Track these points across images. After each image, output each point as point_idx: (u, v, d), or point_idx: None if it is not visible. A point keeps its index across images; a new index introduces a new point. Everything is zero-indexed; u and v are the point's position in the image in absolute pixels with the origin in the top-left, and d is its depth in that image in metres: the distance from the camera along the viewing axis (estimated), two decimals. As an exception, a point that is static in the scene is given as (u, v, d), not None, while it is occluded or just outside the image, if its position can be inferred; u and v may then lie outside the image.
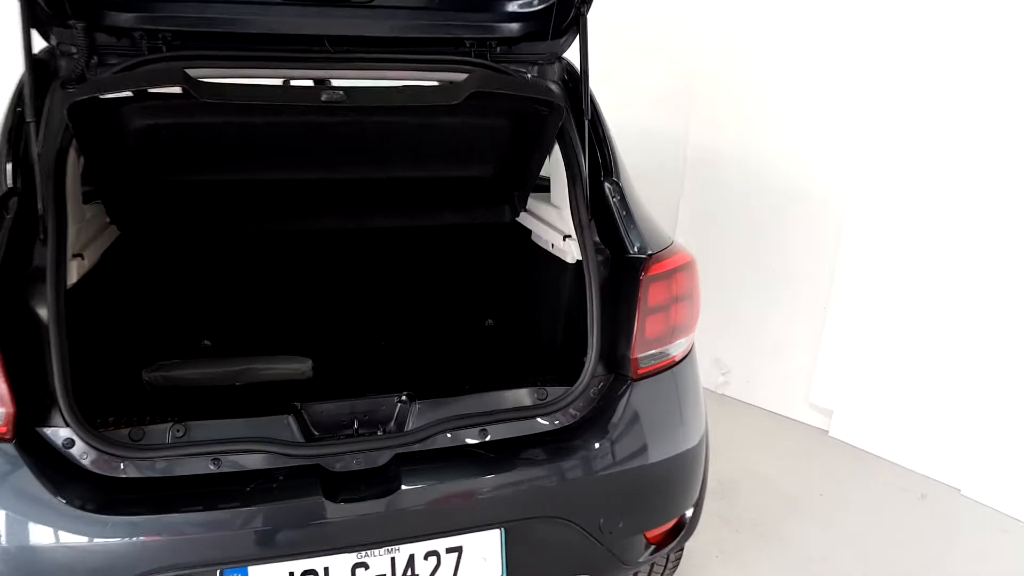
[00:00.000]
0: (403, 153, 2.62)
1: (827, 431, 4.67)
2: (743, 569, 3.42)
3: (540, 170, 2.90)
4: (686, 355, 2.53)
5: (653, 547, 2.46)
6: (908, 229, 4.19)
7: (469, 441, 2.26)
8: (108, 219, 2.64)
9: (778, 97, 4.68)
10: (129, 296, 2.86)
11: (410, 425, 2.27)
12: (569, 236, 2.61)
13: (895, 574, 3.43)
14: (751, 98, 4.83)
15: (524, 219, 3.12)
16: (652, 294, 2.39)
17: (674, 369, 2.48)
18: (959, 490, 4.05)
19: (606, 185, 2.57)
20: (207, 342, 3.26)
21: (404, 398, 2.34)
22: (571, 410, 2.37)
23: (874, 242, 4.33)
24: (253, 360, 3.28)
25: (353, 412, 2.33)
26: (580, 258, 2.55)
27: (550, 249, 2.94)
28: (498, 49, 2.72)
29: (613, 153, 2.64)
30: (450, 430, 2.25)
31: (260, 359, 3.30)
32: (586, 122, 2.58)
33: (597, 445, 2.32)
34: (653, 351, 2.42)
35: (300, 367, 3.33)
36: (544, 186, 3.06)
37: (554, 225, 2.84)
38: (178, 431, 2.12)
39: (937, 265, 4.10)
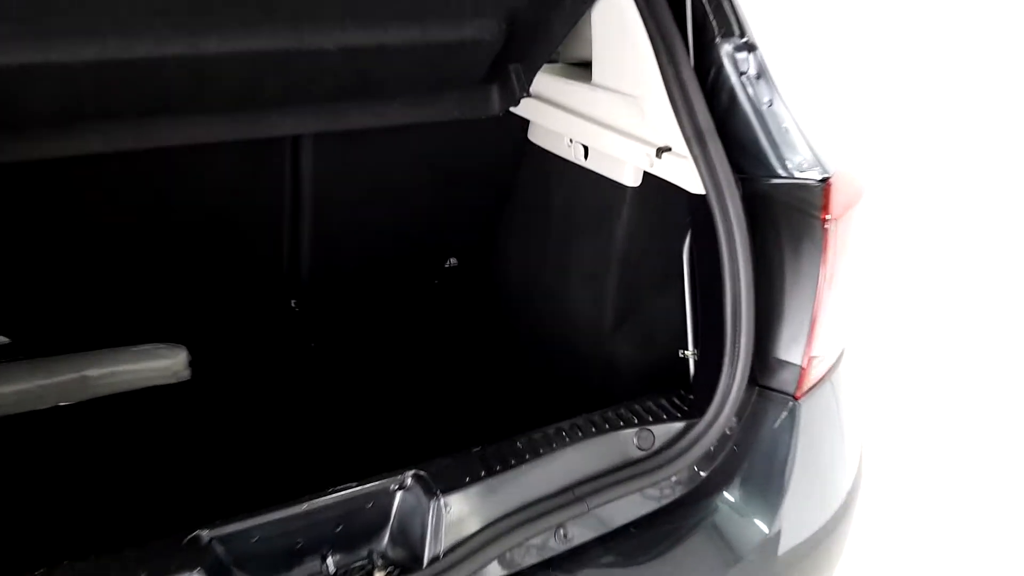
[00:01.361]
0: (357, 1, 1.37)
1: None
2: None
3: (568, 29, 1.70)
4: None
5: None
6: None
7: (540, 558, 1.22)
8: None
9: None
10: None
11: (432, 542, 1.18)
12: (666, 148, 1.49)
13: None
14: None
15: (525, 106, 1.94)
16: (839, 248, 1.35)
17: (833, 377, 1.50)
18: None
19: (725, 51, 1.44)
20: (1, 338, 1.92)
21: (411, 483, 1.23)
22: (695, 465, 1.37)
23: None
24: (86, 361, 2.00)
25: (312, 524, 1.19)
26: (683, 183, 1.46)
27: (578, 159, 1.81)
28: None
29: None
30: (510, 543, 1.18)
31: (99, 357, 2.03)
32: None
33: (747, 519, 1.35)
34: (828, 349, 1.42)
35: (169, 363, 2.09)
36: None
37: (601, 123, 1.69)
38: None
39: None
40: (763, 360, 1.41)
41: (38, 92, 1.34)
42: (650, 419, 1.39)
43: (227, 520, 1.13)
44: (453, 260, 2.39)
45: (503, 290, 2.29)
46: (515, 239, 2.23)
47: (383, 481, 1.24)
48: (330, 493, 1.20)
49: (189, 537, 1.09)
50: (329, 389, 2.06)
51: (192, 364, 2.10)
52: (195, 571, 1.04)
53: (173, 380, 2.08)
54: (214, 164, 1.84)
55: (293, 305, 2.31)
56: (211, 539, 1.10)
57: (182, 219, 1.93)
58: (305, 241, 2.12)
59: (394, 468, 1.25)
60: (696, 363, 1.52)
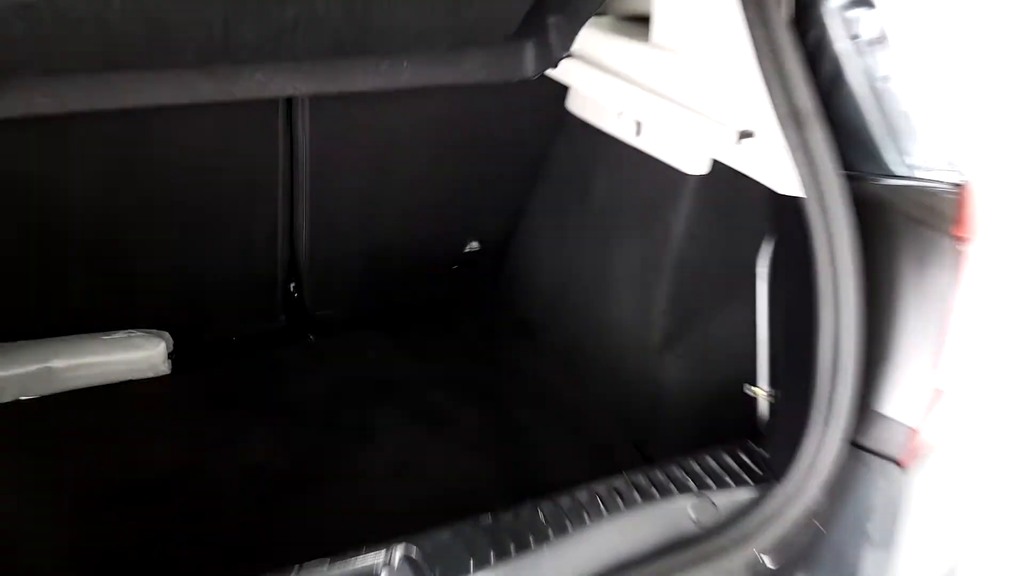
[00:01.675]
0: None
1: None
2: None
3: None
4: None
5: None
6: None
7: None
8: None
9: None
10: None
11: None
12: (748, 133, 1.15)
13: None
14: None
15: (564, 69, 1.61)
16: (978, 276, 1.02)
17: (956, 443, 1.17)
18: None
19: (830, 9, 1.09)
20: None
21: (398, 562, 0.95)
22: (765, 554, 1.06)
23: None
24: (53, 349, 1.75)
25: None
26: (766, 182, 1.13)
27: (629, 138, 1.49)
28: None
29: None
30: None
31: (67, 345, 1.77)
32: None
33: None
34: (952, 406, 1.09)
35: (146, 354, 1.82)
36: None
37: (662, 95, 1.35)
38: None
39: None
40: (862, 413, 1.09)
41: None
42: (710, 483, 1.09)
43: None
44: (474, 244, 2.08)
45: (530, 286, 1.99)
46: (547, 226, 1.93)
47: (366, 556, 0.97)
48: (304, 570, 0.94)
49: None
50: (325, 396, 1.78)
51: (172, 356, 1.84)
52: None
53: (150, 374, 1.82)
54: (195, 129, 1.55)
55: (291, 290, 2.03)
56: None
57: (158, 192, 1.65)
58: (303, 218, 1.83)
59: (387, 514, 0.99)
60: (771, 405, 1.21)
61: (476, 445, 1.62)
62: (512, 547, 0.98)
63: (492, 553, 0.97)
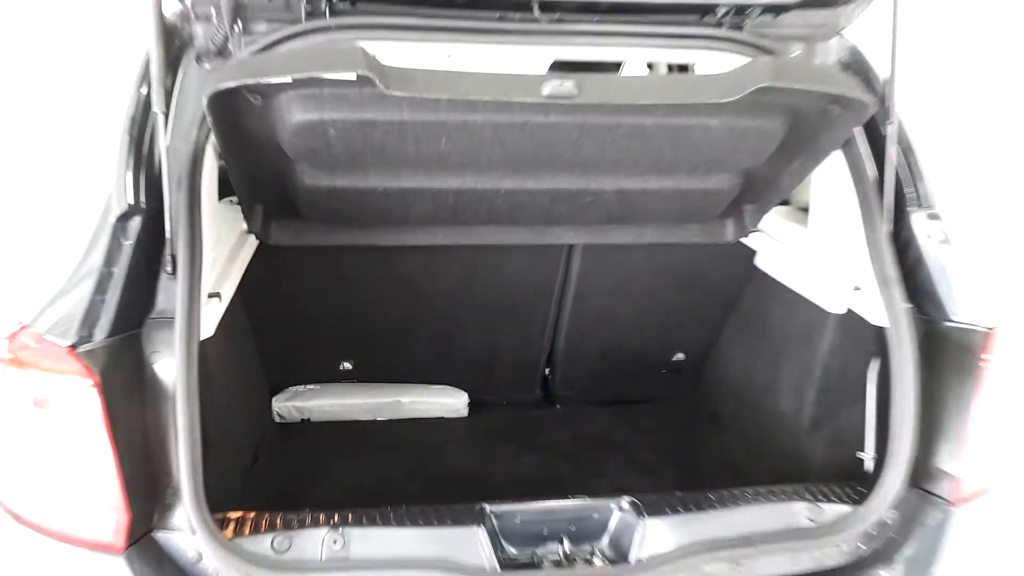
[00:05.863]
0: (626, 160, 1.94)
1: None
2: None
3: (796, 184, 2.17)
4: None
5: None
6: None
7: None
8: (246, 229, 2.08)
9: None
10: (261, 314, 2.33)
11: (636, 549, 1.64)
12: (858, 287, 1.89)
13: None
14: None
15: (753, 238, 2.40)
16: (993, 384, 1.66)
17: (1000, 497, 1.76)
18: None
19: (916, 218, 1.83)
20: (347, 365, 2.72)
21: (627, 506, 1.71)
22: (856, 541, 1.69)
23: None
24: (400, 391, 2.74)
25: (556, 519, 1.72)
26: (871, 318, 1.84)
27: (796, 287, 2.22)
28: (759, 18, 1.99)
29: (922, 173, 1.89)
30: (694, 564, 1.61)
31: (409, 389, 2.76)
32: (890, 128, 1.84)
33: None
34: (983, 466, 1.70)
35: (454, 402, 2.77)
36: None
37: (815, 260, 2.11)
38: (335, 541, 1.56)
39: None
40: (926, 467, 1.72)
41: (422, 203, 2.06)
42: (821, 499, 1.76)
43: (500, 502, 1.69)
44: (680, 355, 2.86)
45: (721, 388, 2.72)
46: (735, 346, 2.67)
47: (607, 500, 1.74)
48: (570, 499, 1.73)
49: (477, 507, 1.67)
50: (568, 442, 2.60)
51: (470, 405, 2.77)
52: (478, 527, 1.61)
53: (455, 415, 2.76)
54: (514, 260, 2.51)
55: (546, 373, 2.92)
56: (490, 512, 1.66)
57: (482, 295, 2.61)
58: (564, 322, 2.72)
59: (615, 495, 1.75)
60: (874, 464, 1.85)
61: (672, 485, 2.36)
62: (692, 507, 1.71)
63: (680, 508, 1.71)
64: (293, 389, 2.67)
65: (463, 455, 2.49)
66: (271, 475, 2.26)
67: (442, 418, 2.74)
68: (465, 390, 2.80)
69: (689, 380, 2.88)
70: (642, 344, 2.83)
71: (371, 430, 2.64)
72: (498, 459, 2.47)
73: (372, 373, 2.76)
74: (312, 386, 2.69)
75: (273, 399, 2.63)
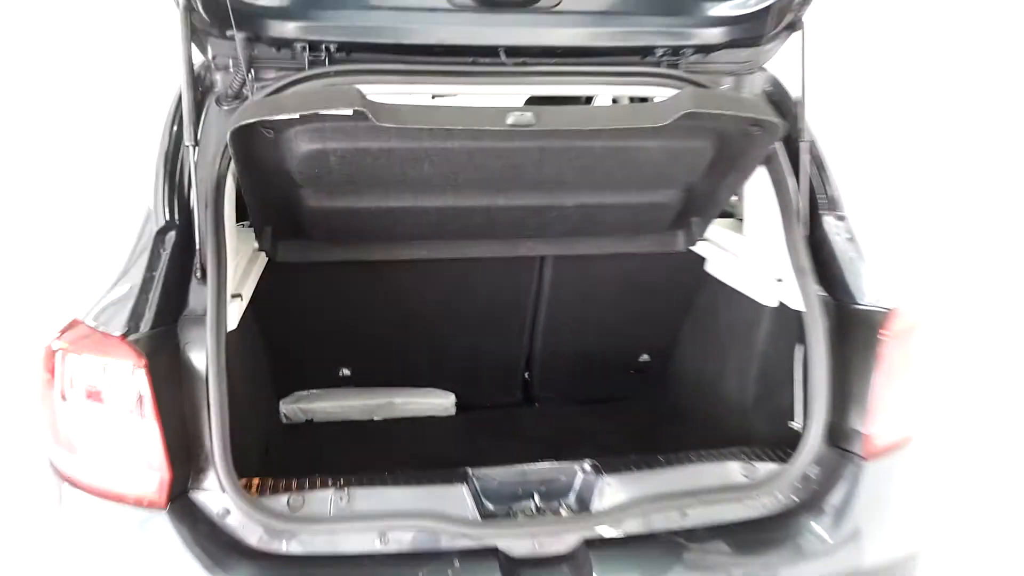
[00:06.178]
0: (583, 179, 2.27)
1: None
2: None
3: (730, 196, 2.51)
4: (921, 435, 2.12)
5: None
6: None
7: (666, 527, 1.91)
8: (257, 248, 2.40)
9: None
10: (269, 327, 2.63)
11: (596, 502, 1.94)
12: (780, 279, 2.22)
13: None
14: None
15: (700, 247, 2.74)
16: (892, 356, 1.98)
17: (909, 450, 2.07)
18: None
19: (828, 220, 2.17)
20: (345, 372, 3.01)
21: (589, 468, 2.01)
22: (784, 493, 1.99)
23: None
24: (393, 393, 3.04)
25: (528, 481, 2.01)
26: (793, 305, 2.16)
27: (737, 286, 2.55)
28: (692, 57, 2.35)
29: (832, 181, 2.24)
30: (646, 512, 1.91)
31: (401, 392, 3.05)
32: (803, 144, 2.19)
33: (819, 539, 1.94)
34: (889, 425, 2.01)
35: (442, 402, 3.06)
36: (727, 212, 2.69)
37: (750, 262, 2.45)
38: (341, 499, 1.86)
39: None
40: (840, 428, 2.03)
41: (408, 220, 2.39)
42: (755, 459, 2.06)
43: (481, 467, 1.99)
44: (646, 356, 3.18)
45: (680, 381, 3.04)
46: (692, 343, 2.99)
47: (572, 463, 2.04)
48: (539, 463, 2.03)
49: (461, 470, 1.96)
50: (549, 432, 2.90)
51: (457, 407, 3.07)
52: (463, 486, 1.90)
53: (444, 414, 3.06)
54: (493, 272, 2.83)
55: (527, 377, 3.22)
56: (473, 474, 1.96)
57: (466, 303, 2.92)
58: (540, 329, 3.04)
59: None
60: (802, 431, 2.16)
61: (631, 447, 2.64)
62: (644, 467, 2.01)
63: (633, 467, 2.01)
64: (298, 393, 2.97)
65: (450, 446, 2.78)
66: (281, 465, 2.55)
67: (431, 416, 3.03)
68: (453, 391, 3.10)
69: (655, 379, 3.18)
70: (611, 347, 3.14)
71: (368, 428, 2.93)
72: (481, 449, 2.76)
73: (368, 378, 3.05)
74: (315, 390, 2.99)
75: (280, 402, 2.92)
